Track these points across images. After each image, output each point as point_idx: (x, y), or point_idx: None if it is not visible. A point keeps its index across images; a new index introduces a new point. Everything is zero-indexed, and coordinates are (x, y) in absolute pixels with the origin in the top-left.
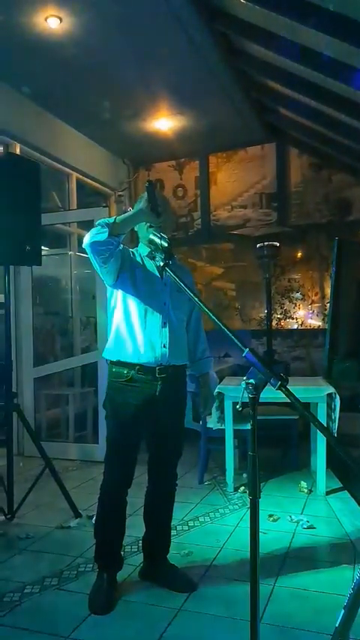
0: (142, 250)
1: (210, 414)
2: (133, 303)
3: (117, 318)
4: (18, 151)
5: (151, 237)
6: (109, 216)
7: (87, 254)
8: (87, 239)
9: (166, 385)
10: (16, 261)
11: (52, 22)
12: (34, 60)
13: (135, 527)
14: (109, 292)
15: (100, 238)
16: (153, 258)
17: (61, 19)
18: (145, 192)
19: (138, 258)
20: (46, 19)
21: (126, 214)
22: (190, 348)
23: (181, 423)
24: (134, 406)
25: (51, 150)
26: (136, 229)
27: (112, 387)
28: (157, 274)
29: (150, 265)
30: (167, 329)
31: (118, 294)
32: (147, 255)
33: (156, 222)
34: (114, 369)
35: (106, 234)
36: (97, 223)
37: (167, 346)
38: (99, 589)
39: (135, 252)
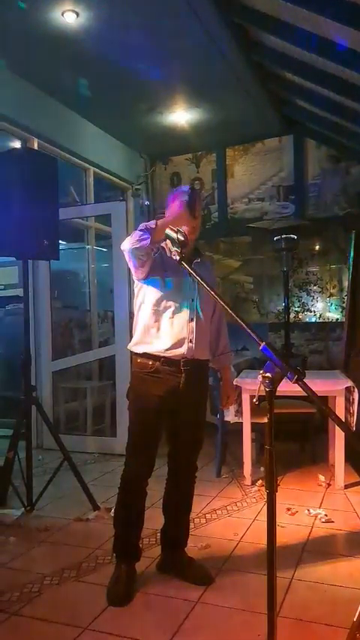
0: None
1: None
2: (161, 299)
3: (144, 312)
4: (36, 146)
5: (167, 231)
6: (126, 210)
7: (123, 253)
8: (128, 244)
9: (190, 378)
10: (34, 256)
11: (69, 17)
12: (51, 55)
13: (154, 520)
14: (136, 286)
15: (142, 245)
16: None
17: (77, 14)
18: (187, 197)
19: (168, 254)
20: (62, 14)
21: (166, 220)
22: (212, 342)
23: (202, 416)
24: (157, 397)
25: (68, 144)
26: None
27: (136, 377)
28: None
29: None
30: (194, 324)
31: (147, 288)
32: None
33: (192, 225)
34: (139, 360)
35: (149, 241)
36: (138, 228)
37: (194, 341)
38: (117, 580)
39: (166, 248)
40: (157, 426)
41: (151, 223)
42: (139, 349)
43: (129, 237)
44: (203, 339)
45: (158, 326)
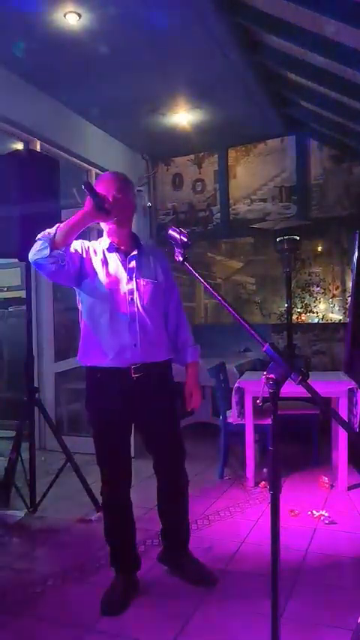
0: (104, 244)
1: (223, 409)
2: (97, 303)
3: (84, 320)
4: (38, 148)
5: (170, 232)
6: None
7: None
8: (30, 255)
9: (146, 384)
10: None
11: (71, 18)
12: (53, 56)
13: (156, 520)
14: (77, 294)
15: (41, 255)
16: (117, 250)
17: (80, 15)
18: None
19: (99, 254)
20: (64, 15)
21: (68, 222)
22: (171, 339)
23: (172, 422)
24: (111, 410)
25: (70, 146)
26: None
27: (89, 390)
28: (122, 268)
29: (112, 259)
30: (137, 326)
31: (82, 295)
32: (108, 249)
33: (109, 220)
34: (89, 372)
35: (48, 250)
36: (38, 238)
37: (139, 345)
38: (113, 590)
39: (96, 247)
40: (121, 439)
41: (51, 230)
42: (87, 362)
43: (32, 248)
44: (154, 339)
45: (98, 334)
